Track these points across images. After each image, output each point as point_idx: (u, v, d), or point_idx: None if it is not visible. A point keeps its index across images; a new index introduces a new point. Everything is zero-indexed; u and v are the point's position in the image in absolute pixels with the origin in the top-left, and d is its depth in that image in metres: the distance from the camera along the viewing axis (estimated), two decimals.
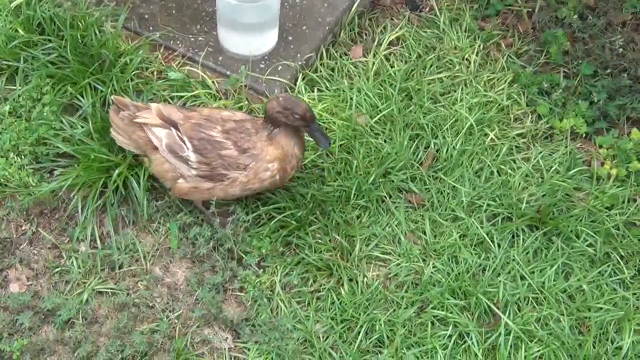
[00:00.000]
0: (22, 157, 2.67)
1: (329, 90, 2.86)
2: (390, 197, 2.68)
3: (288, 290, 2.52)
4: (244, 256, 2.54)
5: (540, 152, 2.81)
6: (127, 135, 2.52)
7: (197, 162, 2.42)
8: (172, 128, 2.43)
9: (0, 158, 2.67)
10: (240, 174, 2.43)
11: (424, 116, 2.84)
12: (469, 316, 2.46)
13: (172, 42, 2.88)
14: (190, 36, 2.89)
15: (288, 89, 2.84)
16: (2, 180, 2.64)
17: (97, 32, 2.79)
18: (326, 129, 2.79)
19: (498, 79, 2.97)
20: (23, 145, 2.68)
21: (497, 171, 2.76)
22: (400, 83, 2.89)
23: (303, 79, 2.85)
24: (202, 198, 2.55)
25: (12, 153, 2.67)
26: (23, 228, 2.62)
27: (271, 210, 2.63)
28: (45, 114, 2.69)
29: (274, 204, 2.63)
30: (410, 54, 3.02)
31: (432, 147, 2.80)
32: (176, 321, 2.45)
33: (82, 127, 2.68)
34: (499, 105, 2.90)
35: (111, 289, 2.50)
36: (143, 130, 2.47)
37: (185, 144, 2.41)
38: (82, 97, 2.71)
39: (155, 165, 2.51)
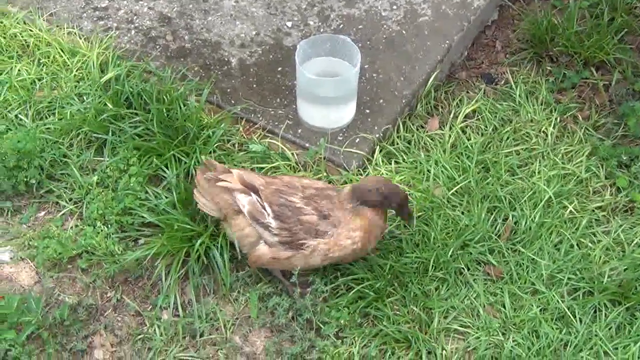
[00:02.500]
0: (109, 226, 2.77)
1: (406, 162, 2.90)
2: (468, 269, 2.69)
3: None
4: (322, 327, 2.56)
5: (621, 226, 2.81)
6: (210, 197, 2.57)
7: (277, 228, 2.45)
8: (252, 194, 2.47)
9: (87, 227, 2.78)
10: (319, 241, 2.48)
11: (501, 188, 2.86)
12: None
13: (253, 115, 2.97)
14: (271, 109, 2.98)
15: (365, 160, 2.90)
16: (89, 248, 2.74)
17: (182, 106, 2.90)
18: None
19: (576, 152, 3.00)
20: (109, 215, 2.78)
21: (577, 244, 2.76)
22: (477, 155, 2.92)
23: (380, 151, 2.90)
24: (280, 268, 2.60)
25: (99, 222, 2.78)
26: (108, 295, 2.70)
27: (349, 281, 2.64)
28: (131, 184, 2.79)
29: (352, 275, 2.66)
30: (486, 127, 3.06)
31: (510, 219, 2.81)
32: None
33: (167, 197, 2.76)
34: (578, 177, 2.92)
35: (192, 357, 2.54)
36: (226, 193, 2.51)
37: (265, 210, 2.46)
38: (167, 168, 2.79)
39: (235, 230, 2.55)
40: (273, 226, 2.46)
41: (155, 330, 2.59)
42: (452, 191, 2.83)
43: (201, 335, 2.58)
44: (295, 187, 2.48)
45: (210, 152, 2.85)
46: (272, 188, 2.47)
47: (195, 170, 2.64)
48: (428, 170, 2.87)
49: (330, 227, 2.46)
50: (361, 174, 2.87)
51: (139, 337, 2.59)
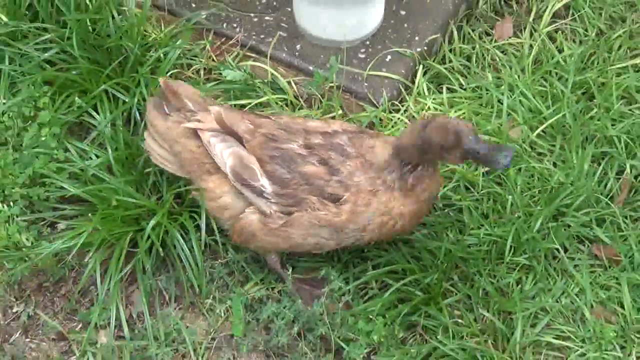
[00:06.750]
0: (10, 204, 2.73)
1: (465, 90, 2.90)
2: (566, 250, 2.70)
3: None
4: (345, 347, 2.56)
5: None
6: (168, 145, 2.55)
7: (274, 194, 2.46)
8: (235, 142, 2.49)
9: None
10: (327, 211, 2.44)
11: (612, 125, 2.83)
12: None
13: (225, 24, 2.94)
14: (253, 15, 2.95)
15: (402, 88, 2.86)
16: None
17: (115, 15, 2.86)
18: None
19: None
20: (11, 187, 2.74)
21: None
22: (574, 75, 2.89)
23: (424, 73, 2.89)
24: (276, 247, 2.57)
25: None
26: (15, 310, 2.67)
27: (384, 276, 2.62)
28: (43, 138, 2.75)
29: (388, 266, 2.63)
30: (586, 31, 3.02)
31: (629, 171, 2.78)
32: None
33: (98, 156, 2.74)
34: None
35: None
36: (193, 138, 2.51)
37: (256, 168, 2.48)
38: (97, 111, 2.78)
39: (209, 198, 2.54)
40: (268, 191, 2.46)
41: None
42: (537, 131, 2.82)
43: None
44: (295, 131, 2.49)
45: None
46: (260, 134, 2.47)
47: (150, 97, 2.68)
48: (499, 101, 2.86)
49: (343, 190, 2.44)
50: (397, 111, 2.83)
51: None
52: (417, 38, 2.92)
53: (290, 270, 2.60)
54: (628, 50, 3.01)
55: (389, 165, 2.42)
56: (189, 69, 2.91)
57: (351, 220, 2.45)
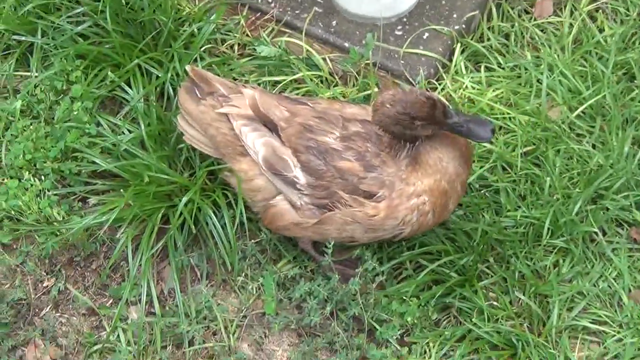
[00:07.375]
0: (42, 178, 2.75)
1: (503, 69, 2.89)
2: (604, 233, 2.69)
3: None
4: (378, 327, 2.57)
5: None
6: (201, 128, 2.56)
7: (308, 186, 2.45)
8: (269, 131, 2.48)
9: (9, 180, 2.74)
10: (361, 208, 2.43)
11: None
12: None
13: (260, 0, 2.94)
14: None
15: (439, 67, 2.86)
16: (12, 213, 2.71)
17: None
18: (500, 128, 2.78)
19: None
20: (43, 161, 2.75)
21: None
22: (615, 55, 2.88)
23: (462, 51, 2.88)
24: (309, 238, 2.58)
25: (27, 172, 2.75)
26: (45, 284, 2.68)
27: (418, 257, 2.63)
28: (75, 113, 2.76)
29: (422, 247, 2.63)
30: (628, 10, 3.01)
31: None
32: None
33: (130, 131, 2.75)
34: None
35: None
36: (226, 122, 2.52)
37: (289, 159, 2.46)
38: (129, 86, 2.79)
39: (242, 179, 2.54)
40: (301, 182, 2.44)
41: (119, 336, 2.59)
42: (576, 112, 2.81)
43: (190, 344, 2.58)
44: (332, 119, 2.47)
45: (195, 60, 2.81)
46: (297, 123, 2.46)
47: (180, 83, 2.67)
48: (538, 81, 2.85)
49: (378, 187, 2.42)
50: (434, 89, 2.83)
51: (95, 347, 2.58)
52: (455, 15, 2.92)
53: (331, 247, 2.53)
54: None
55: (392, 147, 2.41)
56: (222, 44, 2.92)
57: (389, 216, 2.43)
